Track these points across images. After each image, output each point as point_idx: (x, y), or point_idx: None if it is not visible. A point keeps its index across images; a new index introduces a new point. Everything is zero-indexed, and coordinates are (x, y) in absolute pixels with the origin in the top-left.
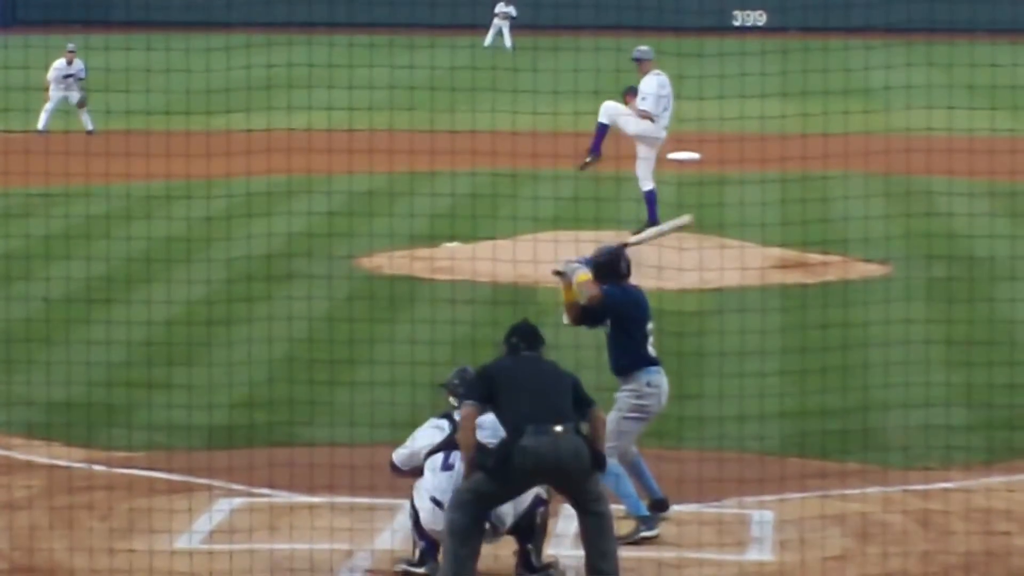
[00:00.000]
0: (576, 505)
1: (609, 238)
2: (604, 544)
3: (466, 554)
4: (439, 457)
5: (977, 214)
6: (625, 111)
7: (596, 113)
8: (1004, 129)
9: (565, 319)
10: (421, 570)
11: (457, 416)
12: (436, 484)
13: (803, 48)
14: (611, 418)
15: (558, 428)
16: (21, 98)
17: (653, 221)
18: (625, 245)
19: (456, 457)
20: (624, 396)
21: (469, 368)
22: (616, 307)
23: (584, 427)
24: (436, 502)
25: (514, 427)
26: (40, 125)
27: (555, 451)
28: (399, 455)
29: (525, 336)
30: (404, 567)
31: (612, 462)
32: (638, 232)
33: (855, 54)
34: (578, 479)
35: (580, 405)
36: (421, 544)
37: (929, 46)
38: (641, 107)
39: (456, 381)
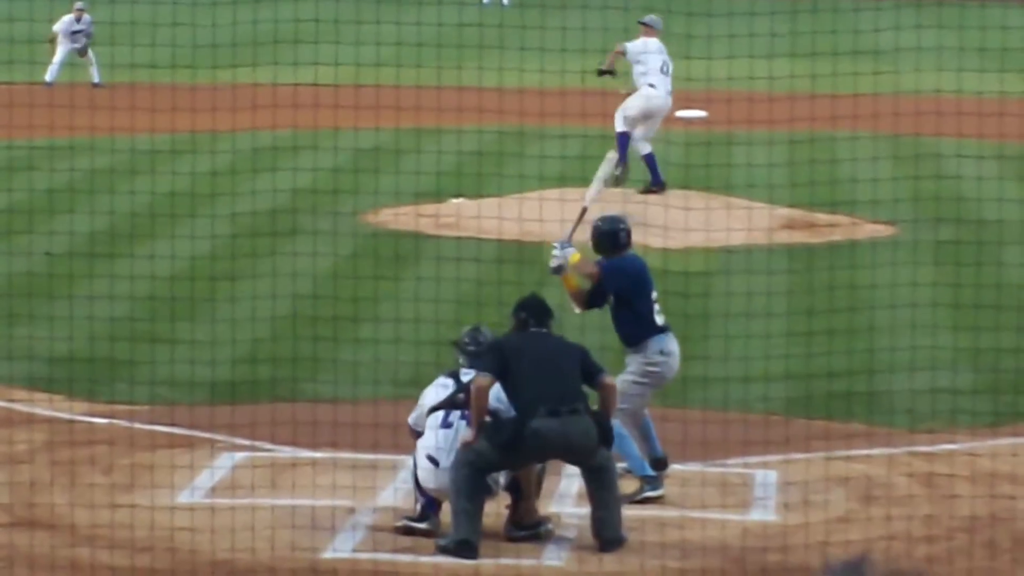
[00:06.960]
0: (580, 467)
1: (613, 196)
2: (606, 494)
3: (472, 510)
4: (439, 415)
5: (986, 177)
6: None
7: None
8: (1015, 92)
9: (576, 309)
10: (422, 525)
11: (464, 376)
12: (433, 442)
13: (812, 9)
14: (621, 380)
15: (567, 410)
16: (26, 50)
17: (658, 182)
18: (584, 210)
19: (455, 416)
20: (635, 361)
21: (483, 327)
22: (616, 279)
23: (594, 397)
24: (432, 460)
25: (525, 408)
26: (48, 77)
27: (564, 434)
28: (412, 417)
29: (534, 311)
30: (405, 522)
31: (616, 423)
32: (645, 191)
33: (865, 16)
34: (586, 456)
35: (589, 375)
36: (422, 500)
37: (940, 8)
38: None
39: (467, 340)
